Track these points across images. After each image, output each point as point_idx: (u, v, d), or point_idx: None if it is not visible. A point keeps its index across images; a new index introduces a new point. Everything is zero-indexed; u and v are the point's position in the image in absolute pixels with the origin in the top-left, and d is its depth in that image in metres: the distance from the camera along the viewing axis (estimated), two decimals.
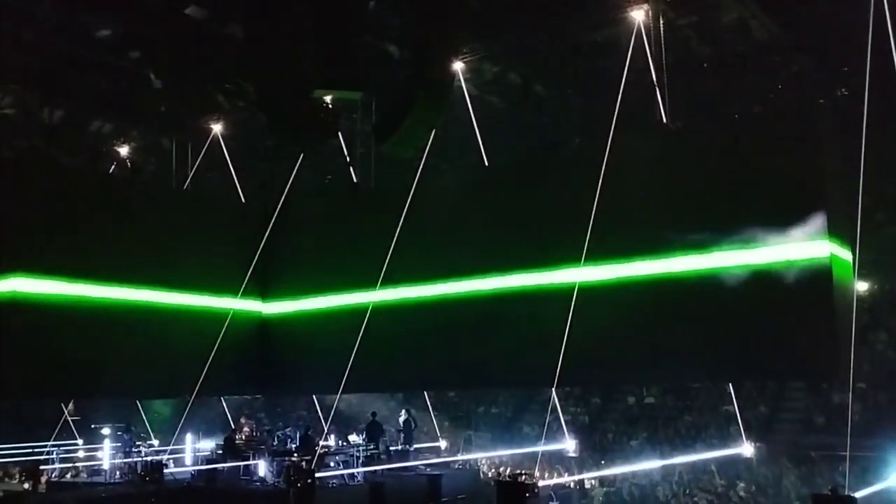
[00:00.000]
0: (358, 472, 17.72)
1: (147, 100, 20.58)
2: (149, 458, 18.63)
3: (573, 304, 14.92)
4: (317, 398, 24.22)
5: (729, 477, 20.60)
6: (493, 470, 23.69)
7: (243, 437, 19.19)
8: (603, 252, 15.45)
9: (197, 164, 21.68)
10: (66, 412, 22.74)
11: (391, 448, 20.06)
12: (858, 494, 11.93)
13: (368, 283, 18.02)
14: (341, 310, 19.73)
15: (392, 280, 17.88)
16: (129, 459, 18.89)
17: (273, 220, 19.44)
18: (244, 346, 20.75)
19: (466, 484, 19.65)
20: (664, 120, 15.98)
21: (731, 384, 20.05)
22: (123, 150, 22.79)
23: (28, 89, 20.39)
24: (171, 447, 20.47)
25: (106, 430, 21.33)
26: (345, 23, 15.76)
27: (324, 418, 21.33)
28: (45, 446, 20.90)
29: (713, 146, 15.63)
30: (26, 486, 18.77)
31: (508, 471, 21.40)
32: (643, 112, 16.24)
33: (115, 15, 17.41)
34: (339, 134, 19.46)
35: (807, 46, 18.88)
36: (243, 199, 22.21)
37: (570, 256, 15.59)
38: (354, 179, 21.02)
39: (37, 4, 16.75)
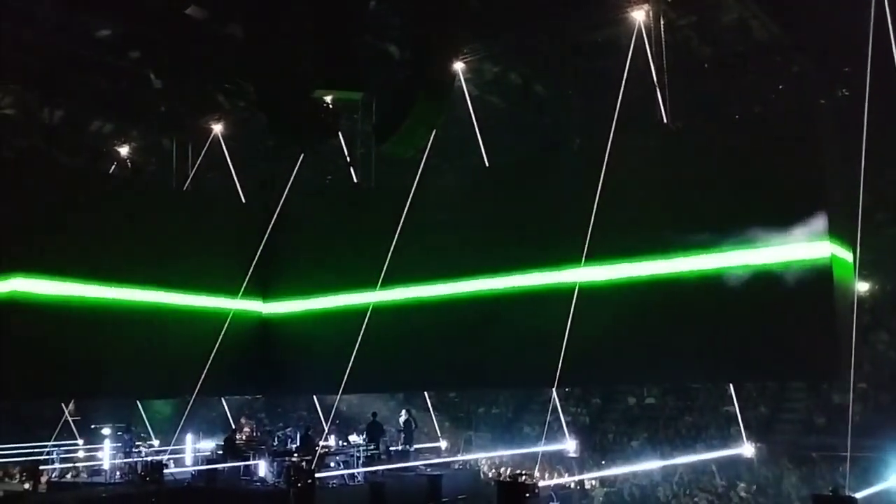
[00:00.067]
0: (358, 473, 17.68)
1: (147, 100, 20.59)
2: (149, 459, 18.64)
3: (573, 304, 14.92)
4: (317, 398, 24.21)
5: (729, 477, 20.57)
6: (493, 470, 23.65)
7: (244, 437, 19.17)
8: (603, 252, 15.45)
9: (197, 164, 21.70)
10: (66, 412, 22.74)
11: (391, 448, 20.06)
12: (859, 495, 11.86)
13: (369, 283, 18.02)
14: (341, 310, 19.76)
15: (392, 280, 17.87)
16: (130, 459, 18.91)
17: (273, 220, 19.42)
18: (244, 347, 20.77)
19: (467, 484, 19.60)
20: (664, 120, 15.98)
21: (731, 385, 20.05)
22: (123, 150, 22.83)
23: (28, 89, 20.39)
24: (171, 447, 20.47)
25: (106, 431, 21.26)
26: (345, 23, 15.74)
27: (324, 418, 21.35)
28: (46, 446, 20.92)
29: (713, 146, 15.63)
30: (26, 486, 18.81)
31: (509, 471, 21.35)
32: (643, 112, 16.23)
33: (115, 15, 17.43)
34: (340, 134, 19.45)
35: (807, 46, 18.84)
36: (243, 199, 22.24)
37: (570, 256, 15.62)
38: (355, 179, 21.03)
39: (37, 4, 16.76)
